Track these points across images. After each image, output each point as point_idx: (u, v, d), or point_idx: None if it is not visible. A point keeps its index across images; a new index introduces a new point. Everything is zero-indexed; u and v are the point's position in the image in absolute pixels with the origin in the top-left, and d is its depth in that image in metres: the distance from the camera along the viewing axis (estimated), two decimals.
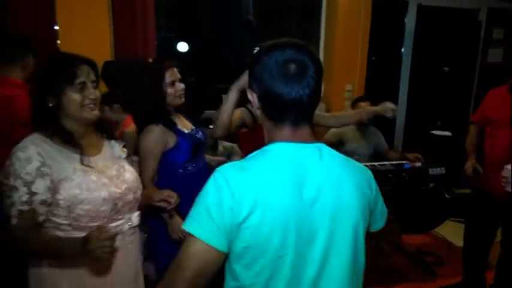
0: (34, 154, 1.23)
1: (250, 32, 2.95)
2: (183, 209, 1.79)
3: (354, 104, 3.32)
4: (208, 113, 2.92)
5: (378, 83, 4.37)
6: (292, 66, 0.90)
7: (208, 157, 2.32)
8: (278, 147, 0.93)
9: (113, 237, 1.18)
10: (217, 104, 3.54)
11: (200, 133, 2.03)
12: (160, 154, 1.83)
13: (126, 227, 1.40)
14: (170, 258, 0.91)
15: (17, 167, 1.22)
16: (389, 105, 2.29)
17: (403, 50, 4.53)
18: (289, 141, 0.93)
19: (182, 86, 1.90)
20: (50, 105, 1.28)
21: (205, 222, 0.87)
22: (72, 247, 1.21)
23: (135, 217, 1.41)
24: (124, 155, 1.50)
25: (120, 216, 1.37)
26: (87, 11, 3.19)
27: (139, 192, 1.46)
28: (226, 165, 0.94)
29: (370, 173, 1.04)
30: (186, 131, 1.93)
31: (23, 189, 1.21)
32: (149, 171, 1.82)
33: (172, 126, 1.86)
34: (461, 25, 4.57)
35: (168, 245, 1.83)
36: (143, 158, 1.83)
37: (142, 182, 1.58)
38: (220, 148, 2.88)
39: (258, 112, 0.99)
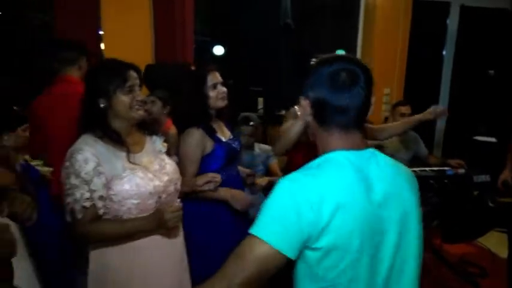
0: (90, 155, 1.35)
1: (287, 34, 2.95)
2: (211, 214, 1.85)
3: (394, 109, 3.24)
4: (243, 114, 2.94)
5: (418, 86, 4.24)
6: (343, 75, 0.95)
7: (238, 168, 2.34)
8: (338, 155, 0.97)
9: (181, 208, 1.39)
10: (252, 106, 3.57)
11: (237, 143, 2.02)
12: (199, 158, 1.84)
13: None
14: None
15: (77, 167, 1.34)
16: (438, 109, 2.21)
17: (444, 52, 4.38)
18: (344, 149, 0.98)
19: (224, 89, 1.90)
20: (102, 106, 1.40)
21: (278, 229, 0.89)
22: (146, 223, 1.39)
23: (177, 205, 1.49)
24: (164, 149, 1.61)
25: (163, 207, 1.46)
26: (130, 17, 3.30)
27: (179, 183, 1.59)
28: (296, 173, 0.96)
29: (413, 176, 1.10)
30: (223, 139, 1.93)
31: (85, 187, 1.33)
32: (189, 174, 1.82)
33: (211, 132, 1.87)
34: (507, 26, 4.37)
35: (202, 230, 1.86)
36: (183, 161, 1.85)
37: (184, 185, 1.68)
38: (257, 149, 2.88)
39: (309, 119, 1.03)
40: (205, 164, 1.86)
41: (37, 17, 4.05)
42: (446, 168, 2.86)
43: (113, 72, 1.41)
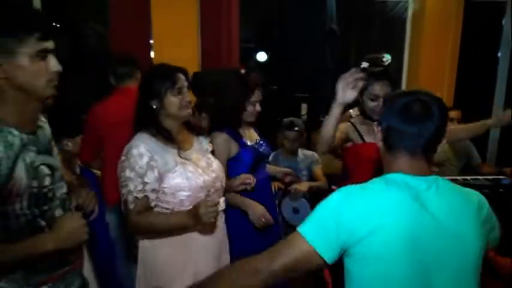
0: (144, 151, 1.46)
1: (332, 40, 2.94)
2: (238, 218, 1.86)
3: None
4: (288, 119, 2.95)
5: (470, 91, 4.05)
6: (416, 106, 1.03)
7: (274, 168, 2.36)
8: (397, 177, 1.03)
9: (216, 204, 1.44)
10: (296, 111, 3.57)
11: (264, 146, 2.05)
12: (225, 161, 1.87)
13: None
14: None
15: (132, 161, 1.45)
16: (506, 117, 2.06)
17: (499, 54, 4.15)
18: (406, 172, 1.03)
19: (259, 108, 1.97)
20: (154, 107, 1.52)
21: (318, 231, 0.99)
22: (184, 217, 1.46)
23: (222, 202, 1.55)
24: (210, 148, 1.73)
25: None
26: (178, 25, 3.44)
27: (224, 181, 1.68)
28: (351, 186, 1.05)
29: (481, 197, 1.10)
30: (249, 143, 1.97)
31: (138, 180, 1.45)
32: None
33: (236, 137, 1.91)
34: None
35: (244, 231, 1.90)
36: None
37: None
38: (301, 155, 2.88)
39: (379, 144, 1.11)
40: (231, 168, 1.90)
41: (93, 29, 4.32)
42: (501, 177, 2.70)
43: (163, 76, 1.52)
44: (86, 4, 4.20)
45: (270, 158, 2.93)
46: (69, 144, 2.09)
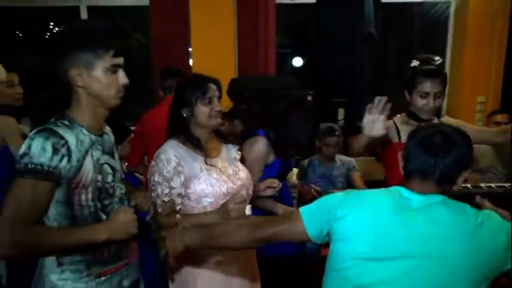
0: (172, 156, 1.51)
1: (370, 44, 2.90)
2: None
3: (489, 118, 2.99)
4: (326, 124, 2.93)
5: None
6: (437, 137, 1.08)
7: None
8: (398, 188, 1.13)
9: (244, 200, 1.52)
10: (332, 117, 3.54)
11: (292, 160, 2.08)
12: (263, 165, 1.88)
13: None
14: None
15: (160, 166, 1.51)
16: None
17: None
18: (411, 190, 1.11)
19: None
20: (185, 115, 1.57)
21: (315, 213, 1.18)
22: (214, 214, 1.50)
23: (247, 209, 1.56)
24: (238, 157, 1.72)
25: None
26: (216, 33, 3.52)
27: (251, 189, 1.69)
28: (353, 190, 1.26)
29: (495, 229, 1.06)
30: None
31: (165, 184, 1.50)
32: (257, 176, 1.85)
33: (273, 145, 1.90)
34: None
35: None
36: (252, 164, 1.84)
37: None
38: (338, 161, 2.86)
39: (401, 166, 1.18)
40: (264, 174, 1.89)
41: (136, 40, 4.51)
42: None
43: (194, 86, 1.57)
44: (129, 17, 4.39)
45: (306, 163, 2.95)
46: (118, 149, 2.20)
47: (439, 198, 1.08)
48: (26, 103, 2.28)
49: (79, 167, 1.14)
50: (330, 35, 3.04)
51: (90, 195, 1.19)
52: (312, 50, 3.42)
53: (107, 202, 1.24)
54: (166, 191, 1.50)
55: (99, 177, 1.21)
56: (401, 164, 1.17)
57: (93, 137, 1.22)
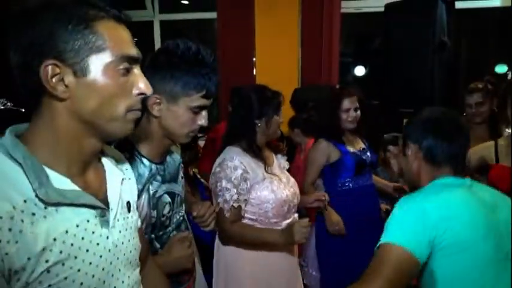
0: (238, 163, 1.55)
1: (442, 52, 2.77)
2: (347, 218, 2.01)
3: None
4: (391, 134, 2.85)
5: None
6: (452, 126, 1.18)
7: (378, 180, 2.37)
8: (447, 180, 1.16)
9: (309, 225, 1.48)
10: (398, 127, 3.41)
11: (368, 154, 2.15)
12: (322, 165, 2.07)
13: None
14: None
15: (228, 172, 1.54)
16: None
17: None
18: (451, 176, 1.17)
19: (354, 114, 2.09)
20: (259, 125, 1.61)
21: (408, 233, 1.07)
22: (277, 235, 1.53)
23: (296, 216, 1.68)
24: (287, 166, 1.80)
25: (289, 215, 1.66)
26: (280, 44, 3.58)
27: (299, 197, 1.75)
28: (410, 196, 1.18)
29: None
30: (351, 150, 2.09)
31: (234, 190, 1.53)
32: (310, 177, 2.09)
33: (337, 143, 2.06)
34: None
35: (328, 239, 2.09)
36: (308, 165, 2.10)
37: (304, 186, 1.97)
38: None
39: (414, 162, 1.20)
40: (333, 173, 2.08)
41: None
42: None
43: (272, 98, 1.64)
44: (197, 29, 4.61)
45: None
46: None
47: (470, 180, 1.19)
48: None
49: (135, 203, 1.06)
50: (399, 43, 2.95)
51: (143, 230, 1.12)
52: (376, 58, 3.35)
53: (161, 233, 1.19)
54: (235, 197, 1.53)
55: (154, 213, 1.14)
56: (418, 155, 1.19)
57: (153, 167, 1.14)
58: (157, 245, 1.19)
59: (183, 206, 1.30)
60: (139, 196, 1.08)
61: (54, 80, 0.64)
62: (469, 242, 1.05)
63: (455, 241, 1.04)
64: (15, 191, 0.62)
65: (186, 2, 4.54)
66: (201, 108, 1.09)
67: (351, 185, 2.10)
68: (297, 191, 1.73)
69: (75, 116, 0.68)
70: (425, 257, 1.03)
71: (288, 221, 1.64)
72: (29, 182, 0.64)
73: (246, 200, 1.57)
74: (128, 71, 0.71)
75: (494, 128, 2.18)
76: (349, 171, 2.06)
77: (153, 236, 1.17)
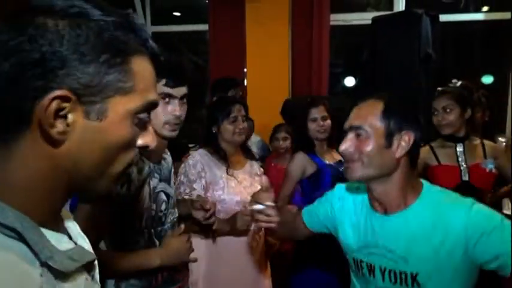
0: (198, 162, 1.73)
1: (427, 65, 2.85)
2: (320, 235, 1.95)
3: None
4: None
5: None
6: None
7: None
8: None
9: (250, 215, 1.58)
10: None
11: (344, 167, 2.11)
12: (297, 178, 2.07)
13: (252, 227, 1.75)
14: None
15: (187, 169, 1.72)
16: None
17: None
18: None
19: (321, 123, 2.06)
20: (214, 131, 1.79)
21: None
22: (224, 223, 1.67)
23: None
24: (260, 172, 1.92)
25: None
26: (270, 55, 3.63)
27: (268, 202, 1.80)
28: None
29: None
30: (327, 162, 2.08)
31: (187, 185, 1.69)
32: (285, 190, 2.09)
33: (313, 156, 2.06)
34: None
35: None
36: (284, 178, 2.12)
37: (279, 198, 1.98)
38: None
39: (401, 152, 1.00)
40: (311, 186, 2.06)
41: (194, 61, 4.76)
42: None
43: (221, 106, 1.80)
44: (188, 40, 4.66)
45: None
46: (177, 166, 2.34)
47: None
48: None
49: (137, 196, 1.15)
50: (385, 55, 3.03)
51: (144, 223, 1.19)
52: (364, 70, 3.42)
53: (159, 229, 1.25)
54: (187, 190, 1.69)
55: (154, 206, 1.21)
56: (406, 147, 1.01)
57: (151, 165, 1.21)
58: (157, 241, 1.24)
59: (176, 210, 1.36)
60: (140, 187, 1.16)
61: (55, 115, 0.46)
62: None
63: None
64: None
65: (178, 14, 4.60)
66: (167, 96, 1.15)
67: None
68: None
69: (64, 165, 0.50)
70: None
71: None
72: (33, 253, 0.47)
73: (200, 195, 1.67)
74: (143, 122, 0.55)
75: (487, 137, 2.22)
76: (326, 184, 2.03)
77: (152, 231, 1.23)
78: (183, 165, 1.76)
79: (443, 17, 3.29)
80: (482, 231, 0.91)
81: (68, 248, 0.52)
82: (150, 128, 0.57)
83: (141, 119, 0.54)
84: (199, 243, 1.72)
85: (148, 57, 0.54)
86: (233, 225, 1.65)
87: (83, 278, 0.55)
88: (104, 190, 0.55)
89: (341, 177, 2.06)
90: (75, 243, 0.56)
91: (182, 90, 1.19)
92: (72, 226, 0.60)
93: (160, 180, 1.26)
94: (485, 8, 3.95)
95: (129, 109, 0.51)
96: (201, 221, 1.45)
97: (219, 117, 1.78)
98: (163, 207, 1.26)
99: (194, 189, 1.69)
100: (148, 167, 1.20)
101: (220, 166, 1.77)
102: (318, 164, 2.05)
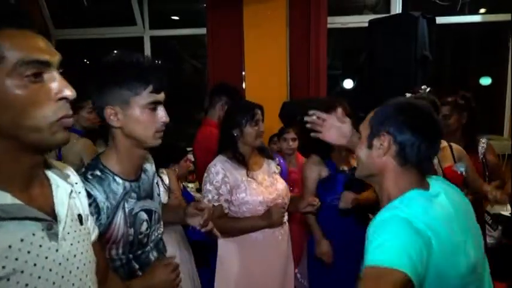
0: (220, 169, 1.79)
1: (424, 67, 2.86)
2: (333, 231, 2.06)
3: None
4: None
5: None
6: (433, 121, 1.03)
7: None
8: (417, 194, 1.01)
9: (283, 207, 1.79)
10: None
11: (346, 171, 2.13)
12: (315, 178, 2.11)
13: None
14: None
15: (211, 177, 1.79)
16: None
17: None
18: (419, 188, 1.02)
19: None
20: (235, 135, 1.81)
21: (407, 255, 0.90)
22: (258, 219, 1.78)
23: (285, 216, 1.88)
24: (278, 170, 1.97)
25: None
26: (268, 58, 3.64)
27: (286, 199, 1.91)
28: (394, 210, 1.00)
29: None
30: (340, 168, 2.10)
31: (214, 191, 1.78)
32: (309, 191, 2.11)
33: (326, 161, 2.10)
34: None
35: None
36: (304, 182, 2.18)
37: (303, 196, 2.03)
38: None
39: (380, 153, 1.03)
40: (322, 189, 2.11)
41: (191, 65, 4.78)
42: None
43: (245, 110, 1.82)
44: (187, 44, 4.68)
45: None
46: (176, 169, 2.35)
47: (434, 183, 1.14)
48: (101, 126, 2.50)
49: (108, 224, 1.07)
50: (382, 58, 3.04)
51: (120, 250, 1.12)
52: (363, 72, 3.43)
53: (139, 252, 1.17)
54: (216, 197, 1.78)
55: (131, 231, 1.12)
56: (389, 151, 1.03)
57: (127, 184, 1.12)
58: (136, 265, 1.16)
59: (161, 223, 1.28)
60: (114, 214, 1.07)
61: None
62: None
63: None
64: None
65: (176, 18, 4.61)
66: (155, 103, 1.08)
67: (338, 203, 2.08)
68: (283, 192, 1.89)
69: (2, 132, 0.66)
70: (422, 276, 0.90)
71: None
72: None
73: (227, 200, 1.79)
74: (37, 76, 0.67)
75: (467, 137, 2.31)
76: (336, 190, 2.07)
77: (130, 256, 1.15)
78: (205, 174, 1.82)
79: (440, 19, 3.31)
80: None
81: (6, 203, 0.65)
82: (60, 80, 0.70)
83: (35, 74, 0.66)
84: (226, 245, 1.85)
85: (15, 28, 0.66)
86: (269, 220, 1.76)
87: (25, 231, 0.67)
88: (49, 142, 0.70)
89: (352, 184, 2.07)
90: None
91: (163, 95, 1.12)
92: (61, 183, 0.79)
93: (139, 199, 1.16)
94: (482, 10, 3.97)
95: (6, 71, 0.64)
96: (199, 229, 1.39)
97: (242, 121, 1.80)
98: (143, 227, 1.16)
99: (221, 194, 1.78)
100: (123, 188, 1.12)
101: (240, 170, 1.82)
102: (331, 170, 2.10)
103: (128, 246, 1.13)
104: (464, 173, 1.96)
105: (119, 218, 1.09)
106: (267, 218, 1.77)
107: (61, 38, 4.29)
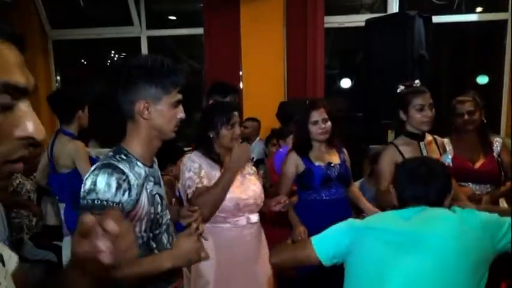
0: (196, 159, 1.80)
1: (421, 66, 2.87)
2: (310, 227, 2.02)
3: None
4: (374, 147, 2.90)
5: None
6: (423, 169, 1.33)
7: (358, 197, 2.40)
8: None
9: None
10: (381, 138, 3.49)
11: (335, 169, 2.17)
12: (292, 175, 2.14)
13: (244, 222, 1.83)
14: None
15: (188, 165, 1.78)
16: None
17: None
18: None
19: (323, 125, 2.12)
20: (211, 136, 1.81)
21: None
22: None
23: (253, 216, 1.85)
24: (251, 171, 1.96)
25: (240, 214, 1.82)
26: (265, 58, 3.65)
27: (259, 200, 1.88)
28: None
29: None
30: (317, 164, 2.13)
31: (195, 176, 1.76)
32: (284, 188, 2.15)
33: (303, 157, 2.14)
34: None
35: None
36: (280, 177, 2.20)
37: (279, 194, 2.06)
38: None
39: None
40: (303, 181, 2.16)
41: (189, 65, 4.77)
42: None
43: (220, 112, 1.81)
44: (184, 44, 4.68)
45: (357, 186, 2.91)
46: (173, 170, 2.35)
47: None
48: (93, 127, 2.49)
49: (136, 201, 1.17)
50: (379, 57, 3.04)
51: (143, 227, 1.21)
52: (360, 72, 3.44)
53: (156, 232, 1.26)
54: (197, 180, 1.76)
55: (152, 209, 1.23)
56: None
57: (146, 169, 1.24)
58: (153, 244, 1.26)
59: (168, 210, 1.38)
60: (140, 193, 1.19)
61: None
62: None
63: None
64: None
65: (173, 18, 4.61)
66: (179, 102, 1.24)
67: (316, 197, 2.14)
68: (256, 193, 1.87)
69: None
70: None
71: (237, 218, 1.83)
72: None
73: (205, 185, 1.75)
74: (5, 107, 0.49)
75: (483, 135, 2.31)
76: (312, 185, 2.12)
77: (151, 234, 1.24)
78: (181, 165, 1.82)
79: (437, 19, 3.32)
80: None
81: None
82: (31, 115, 0.51)
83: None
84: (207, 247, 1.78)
85: (7, 42, 0.51)
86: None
87: None
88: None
89: (329, 180, 2.13)
90: None
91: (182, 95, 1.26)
92: None
93: (155, 184, 1.28)
94: (478, 9, 3.98)
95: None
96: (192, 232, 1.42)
97: (217, 123, 1.79)
98: (159, 209, 1.28)
99: (202, 177, 1.76)
100: (144, 172, 1.23)
101: (214, 166, 1.82)
102: (306, 165, 2.13)
103: (149, 223, 1.23)
104: (450, 164, 1.98)
105: (144, 196, 1.20)
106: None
107: (58, 39, 4.28)
